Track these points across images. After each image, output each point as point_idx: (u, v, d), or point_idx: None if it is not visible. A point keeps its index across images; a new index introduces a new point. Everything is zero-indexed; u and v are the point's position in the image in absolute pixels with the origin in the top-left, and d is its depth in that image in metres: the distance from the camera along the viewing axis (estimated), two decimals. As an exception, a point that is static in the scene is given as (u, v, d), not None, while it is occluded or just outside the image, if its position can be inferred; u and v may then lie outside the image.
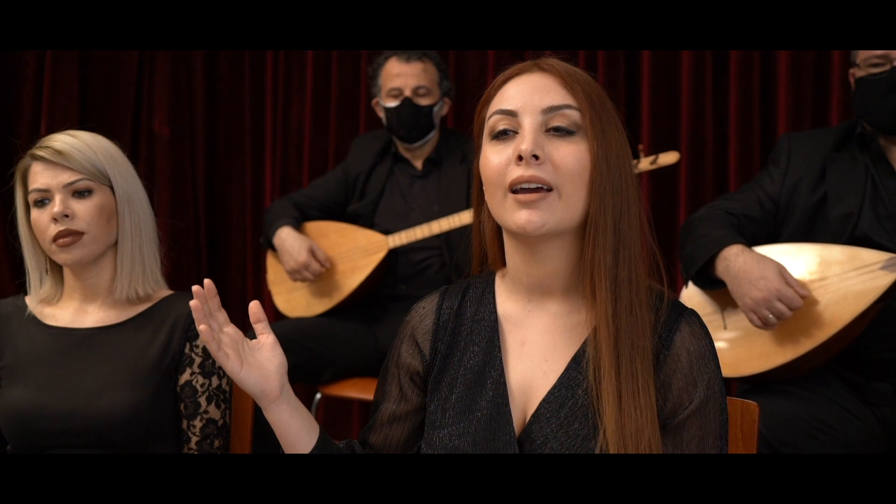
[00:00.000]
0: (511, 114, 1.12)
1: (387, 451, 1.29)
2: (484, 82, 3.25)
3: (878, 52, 1.88)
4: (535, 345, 1.17)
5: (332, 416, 3.48)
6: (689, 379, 1.11)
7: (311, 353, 2.48)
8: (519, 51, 3.07)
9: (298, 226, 2.65)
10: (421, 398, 1.24)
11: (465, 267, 2.54)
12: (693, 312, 1.15)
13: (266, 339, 1.19)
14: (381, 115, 2.74)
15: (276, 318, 3.48)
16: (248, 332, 1.24)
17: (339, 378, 2.54)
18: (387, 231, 2.63)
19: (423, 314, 1.26)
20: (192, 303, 1.13)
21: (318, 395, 2.57)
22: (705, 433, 1.11)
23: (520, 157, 1.08)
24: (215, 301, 1.17)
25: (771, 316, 1.79)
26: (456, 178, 2.67)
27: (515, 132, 1.11)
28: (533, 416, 1.13)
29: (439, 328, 1.22)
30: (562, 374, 1.13)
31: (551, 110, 1.10)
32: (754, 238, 1.99)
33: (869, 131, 1.97)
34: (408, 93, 2.64)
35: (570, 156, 1.09)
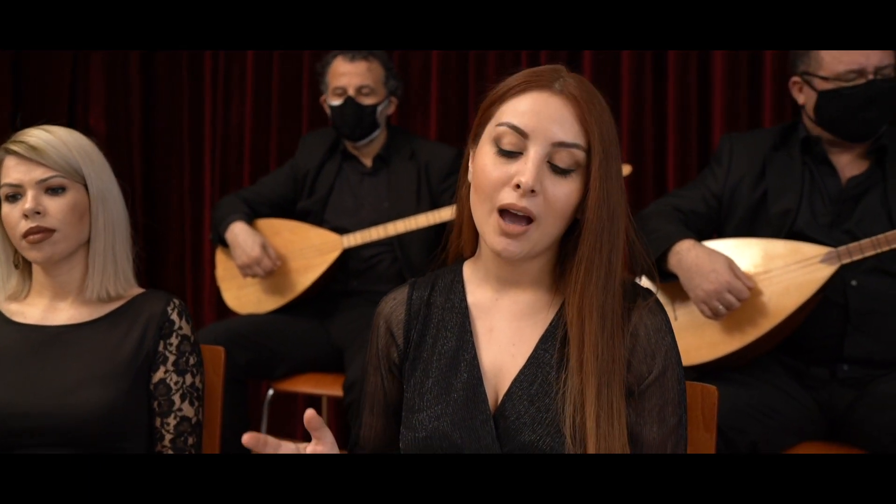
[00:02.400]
0: (521, 134, 1.13)
1: (376, 441, 1.33)
2: (428, 83, 3.28)
3: (853, 67, 1.95)
4: (503, 332, 1.23)
5: (278, 412, 3.47)
6: (647, 351, 1.18)
7: (264, 349, 2.49)
8: (463, 51, 3.16)
9: (251, 221, 2.64)
10: (401, 387, 1.29)
11: (418, 263, 2.60)
12: (648, 291, 1.23)
13: (319, 447, 1.14)
14: (328, 112, 2.76)
15: (219, 316, 3.48)
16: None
17: (292, 374, 2.55)
18: (337, 228, 2.65)
19: (395, 305, 1.30)
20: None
21: (271, 392, 2.58)
22: (665, 401, 1.18)
23: (517, 185, 1.11)
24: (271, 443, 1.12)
25: (721, 307, 1.88)
26: (405, 175, 2.70)
27: (520, 153, 1.14)
28: (506, 394, 1.18)
29: (411, 318, 1.28)
30: (530, 356, 1.19)
31: (560, 146, 1.13)
32: (700, 233, 2.09)
33: (815, 136, 2.08)
34: (351, 92, 2.66)
35: (562, 195, 1.13)
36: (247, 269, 2.58)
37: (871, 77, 1.95)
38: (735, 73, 2.76)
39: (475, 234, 1.26)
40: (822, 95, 2.01)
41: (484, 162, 1.16)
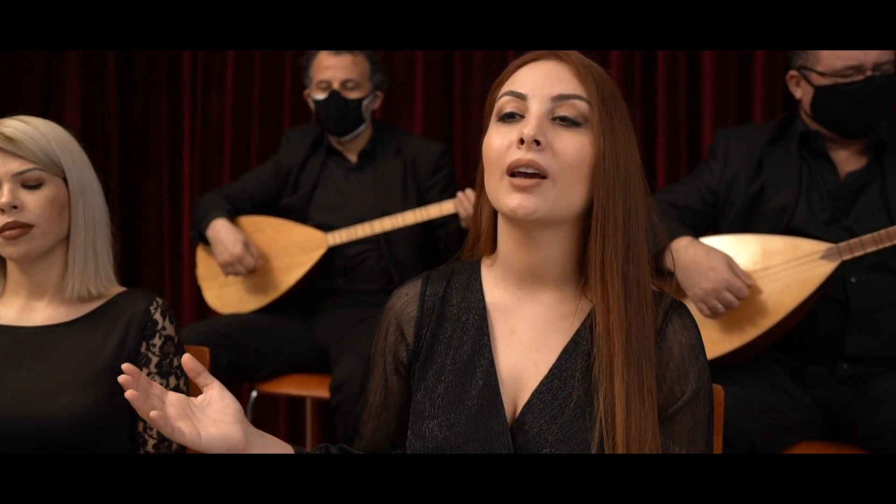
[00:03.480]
0: (520, 97, 1.11)
1: (378, 443, 1.28)
2: (413, 80, 3.25)
3: (851, 63, 1.92)
4: (525, 334, 1.15)
5: (257, 414, 3.40)
6: (681, 371, 1.12)
7: (248, 349, 2.42)
8: (448, 51, 3.10)
9: (233, 218, 2.58)
10: (406, 387, 1.22)
11: (404, 261, 2.55)
12: (682, 305, 1.17)
13: (212, 392, 1.12)
14: (312, 106, 2.70)
15: (199, 316, 3.41)
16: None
17: (276, 375, 2.49)
18: (322, 225, 2.59)
19: (407, 301, 1.23)
20: (129, 394, 1.05)
21: (255, 394, 2.51)
22: (696, 422, 1.13)
23: (521, 141, 1.07)
24: (143, 379, 1.09)
25: (720, 305, 1.85)
26: (391, 170, 2.65)
27: (522, 116, 1.10)
28: (525, 406, 1.12)
29: (424, 315, 1.20)
30: (554, 365, 1.12)
31: (560, 98, 1.09)
32: (696, 229, 2.05)
33: (813, 130, 2.05)
34: (336, 86, 2.61)
35: (572, 146, 1.08)
36: (228, 268, 2.52)
37: (869, 73, 1.93)
38: (724, 69, 2.73)
39: (492, 234, 1.20)
40: (820, 91, 1.99)
41: (490, 137, 1.13)
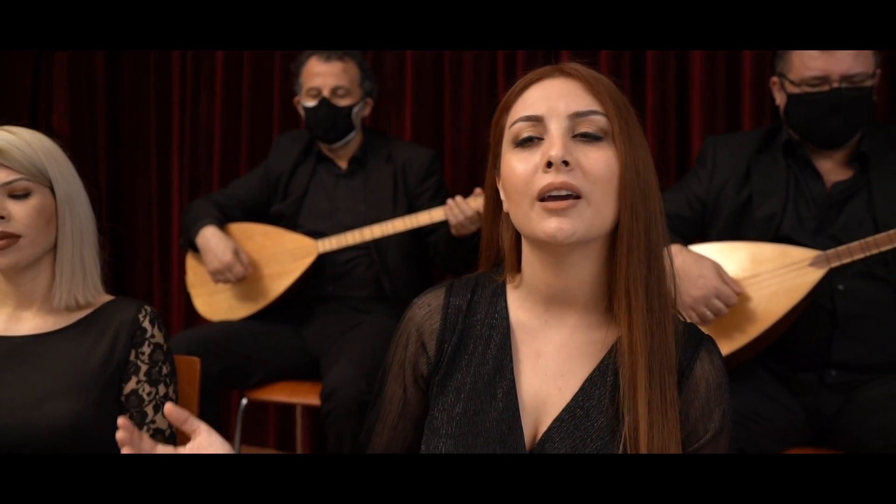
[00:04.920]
0: (536, 119, 1.08)
1: (396, 448, 1.25)
2: (403, 85, 3.25)
3: (816, 73, 1.94)
4: (552, 358, 1.13)
5: (247, 420, 3.39)
6: (705, 409, 1.10)
7: (238, 357, 2.41)
8: (438, 51, 3.11)
9: (222, 226, 2.57)
10: (424, 399, 1.19)
11: (395, 268, 2.54)
12: (710, 339, 1.15)
13: (199, 437, 1.10)
14: (302, 113, 2.70)
15: (188, 323, 3.40)
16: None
17: (267, 382, 2.48)
18: (312, 232, 2.59)
19: (429, 312, 1.19)
20: (123, 450, 1.05)
21: (245, 401, 2.50)
22: None
23: (549, 164, 1.04)
24: (136, 435, 1.08)
25: (709, 313, 1.85)
26: (382, 177, 2.65)
27: (541, 139, 1.07)
28: (546, 433, 1.09)
29: (447, 328, 1.17)
30: (577, 393, 1.10)
31: (578, 116, 1.07)
32: (684, 236, 2.07)
33: (796, 140, 2.06)
34: (326, 93, 2.60)
35: (600, 161, 1.05)
36: (218, 275, 2.51)
37: (835, 85, 1.94)
38: (713, 75, 2.74)
39: (515, 257, 1.17)
40: (791, 99, 2.02)
41: (510, 165, 1.09)
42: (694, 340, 1.12)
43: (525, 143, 1.08)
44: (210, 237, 2.51)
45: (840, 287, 1.93)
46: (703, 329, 1.87)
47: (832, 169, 2.04)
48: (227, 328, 2.49)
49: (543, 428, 1.10)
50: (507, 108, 1.14)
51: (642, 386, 1.05)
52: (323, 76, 2.61)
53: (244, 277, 2.52)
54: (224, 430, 2.64)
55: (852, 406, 1.91)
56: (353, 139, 2.69)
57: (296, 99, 2.73)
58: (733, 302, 1.85)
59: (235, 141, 3.44)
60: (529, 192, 1.06)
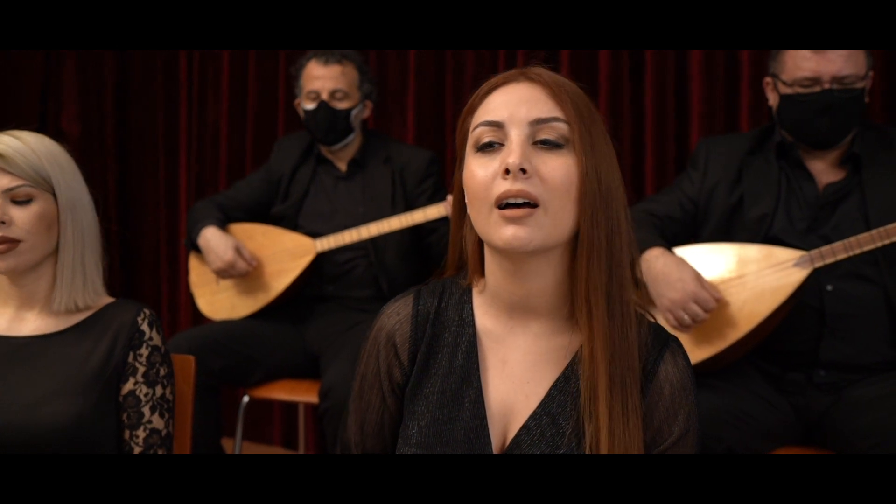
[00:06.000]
0: (497, 125, 1.07)
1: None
2: (406, 86, 3.27)
3: (808, 74, 1.95)
4: (518, 364, 1.12)
5: (253, 418, 3.44)
6: (670, 411, 1.10)
7: (239, 355, 2.46)
8: (440, 51, 3.14)
9: (223, 226, 2.62)
10: (402, 406, 1.19)
11: (393, 268, 2.58)
12: (675, 340, 1.14)
13: None
14: (302, 116, 2.74)
15: (195, 323, 3.45)
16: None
17: (267, 380, 2.53)
18: (311, 232, 2.63)
19: (399, 321, 1.19)
20: None
21: (246, 399, 2.55)
22: None
23: (507, 171, 1.03)
24: None
25: (686, 317, 1.88)
26: (381, 179, 2.68)
27: (502, 144, 1.07)
28: (513, 440, 1.10)
29: (417, 337, 1.17)
30: (544, 399, 1.10)
31: (539, 122, 1.06)
32: (676, 238, 2.09)
33: (789, 141, 2.08)
34: (324, 96, 2.63)
35: (558, 169, 1.04)
36: (223, 274, 2.56)
37: (826, 86, 1.96)
38: (712, 75, 2.75)
39: (479, 262, 1.17)
40: (783, 99, 2.04)
41: (471, 170, 1.09)
42: (658, 343, 1.12)
43: (486, 148, 1.08)
44: (210, 237, 2.56)
45: (829, 287, 1.95)
46: (683, 333, 1.92)
47: (824, 170, 2.05)
48: (228, 327, 2.54)
49: (511, 435, 1.10)
50: (472, 111, 1.13)
51: (603, 395, 1.04)
52: (322, 79, 2.65)
53: (248, 273, 2.56)
54: (227, 427, 2.70)
55: (840, 406, 1.93)
56: (353, 141, 2.73)
57: (296, 101, 2.77)
58: (711, 307, 1.87)
59: (241, 141, 3.49)
60: (488, 198, 1.05)
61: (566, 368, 1.11)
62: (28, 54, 3.50)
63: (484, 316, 1.16)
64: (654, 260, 1.95)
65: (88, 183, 1.62)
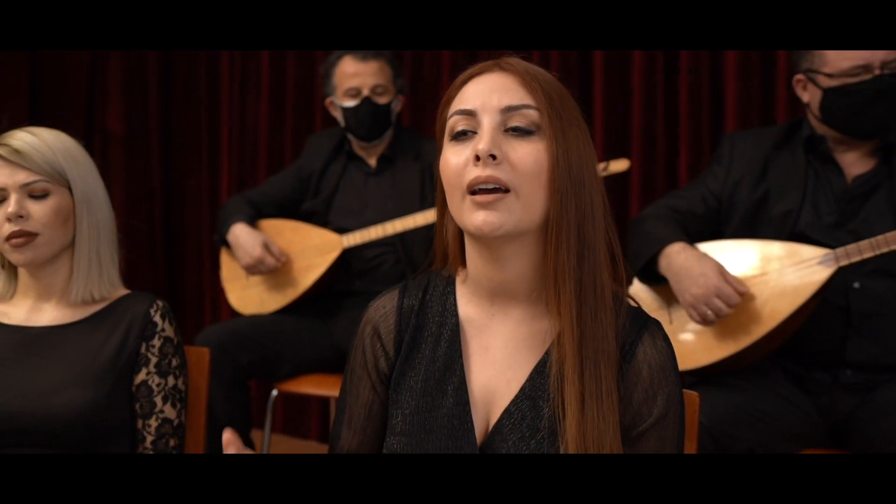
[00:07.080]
0: (470, 114, 1.10)
1: (367, 451, 1.26)
2: (440, 81, 3.27)
3: (859, 62, 1.89)
4: (499, 350, 1.14)
5: (290, 413, 3.49)
6: (649, 392, 1.10)
7: (267, 350, 2.50)
8: (474, 51, 3.13)
9: (253, 222, 2.66)
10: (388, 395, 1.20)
11: (420, 263, 2.59)
12: (655, 322, 1.15)
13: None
14: (338, 114, 2.75)
15: (234, 315, 3.50)
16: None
17: (296, 374, 2.56)
18: (341, 228, 2.65)
19: (385, 314, 1.21)
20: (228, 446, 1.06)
21: (275, 392, 2.58)
22: (662, 445, 1.11)
23: (477, 158, 1.06)
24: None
25: (709, 312, 1.84)
26: (410, 175, 2.69)
27: (474, 132, 1.09)
28: (495, 426, 1.11)
29: (401, 328, 1.19)
30: (524, 384, 1.11)
31: (510, 110, 1.09)
32: (699, 234, 2.04)
33: (819, 135, 2.02)
34: (366, 92, 2.65)
35: (528, 156, 1.07)
36: (252, 269, 2.60)
37: (877, 72, 1.89)
38: (747, 71, 2.70)
39: (460, 252, 1.19)
40: (828, 93, 1.96)
41: (445, 158, 1.12)
42: (637, 325, 1.12)
43: (459, 136, 1.11)
44: (239, 234, 2.60)
45: (855, 285, 1.90)
46: (712, 327, 1.88)
47: (854, 162, 1.99)
48: (257, 321, 2.58)
49: (494, 420, 1.12)
50: (449, 102, 1.16)
51: (571, 377, 1.05)
52: (361, 76, 2.66)
53: (277, 269, 2.60)
54: (256, 420, 2.73)
55: (868, 407, 1.87)
56: (386, 137, 2.74)
57: (328, 100, 2.77)
58: (735, 301, 1.82)
59: (280, 140, 3.54)
60: (460, 185, 1.08)
61: (546, 353, 1.12)
62: (74, 54, 3.59)
63: (467, 304, 1.18)
64: (676, 255, 1.91)
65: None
